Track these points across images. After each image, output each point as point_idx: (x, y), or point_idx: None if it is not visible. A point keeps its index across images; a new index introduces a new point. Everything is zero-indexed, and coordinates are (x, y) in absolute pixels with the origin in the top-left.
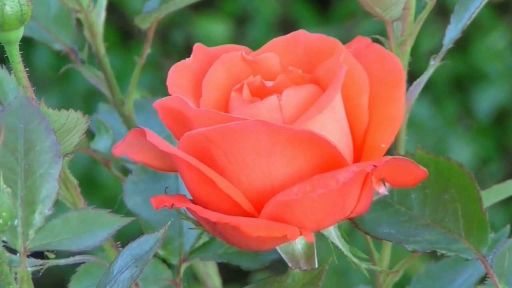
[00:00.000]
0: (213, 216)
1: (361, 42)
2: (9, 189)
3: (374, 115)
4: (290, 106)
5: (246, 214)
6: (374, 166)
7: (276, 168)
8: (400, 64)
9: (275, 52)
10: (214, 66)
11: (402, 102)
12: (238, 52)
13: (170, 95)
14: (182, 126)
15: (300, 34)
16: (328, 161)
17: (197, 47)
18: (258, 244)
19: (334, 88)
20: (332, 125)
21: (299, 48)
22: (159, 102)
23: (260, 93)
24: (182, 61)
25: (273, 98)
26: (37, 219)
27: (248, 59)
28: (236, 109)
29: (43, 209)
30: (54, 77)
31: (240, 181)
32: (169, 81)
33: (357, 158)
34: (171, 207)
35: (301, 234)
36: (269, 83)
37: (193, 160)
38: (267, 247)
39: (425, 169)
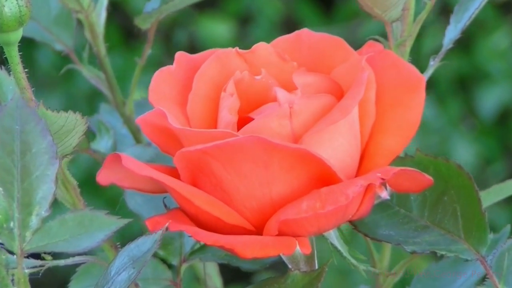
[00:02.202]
0: (208, 240)
1: (373, 47)
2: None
3: (391, 120)
4: (301, 114)
5: (237, 225)
6: (382, 179)
7: (274, 178)
8: (418, 71)
9: (280, 50)
10: (208, 61)
11: (421, 108)
12: (232, 48)
13: (150, 102)
14: (168, 138)
15: (304, 33)
16: (326, 175)
17: (179, 55)
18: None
19: (357, 92)
20: (345, 128)
21: (303, 47)
22: (142, 118)
23: (250, 89)
24: (166, 67)
25: (285, 106)
26: (34, 220)
27: (242, 53)
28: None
29: (40, 211)
30: (58, 77)
31: (239, 190)
32: (151, 87)
33: (361, 156)
34: (166, 230)
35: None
36: (258, 77)
37: (168, 180)
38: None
39: (430, 177)
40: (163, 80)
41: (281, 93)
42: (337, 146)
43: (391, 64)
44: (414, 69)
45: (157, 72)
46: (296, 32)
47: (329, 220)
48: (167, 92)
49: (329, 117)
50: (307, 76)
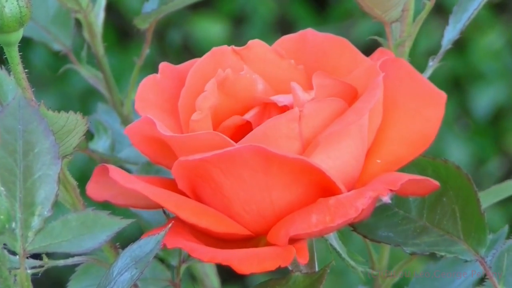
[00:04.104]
0: (205, 257)
1: (384, 54)
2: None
3: (405, 130)
4: (310, 117)
5: (229, 233)
6: (391, 190)
7: (274, 183)
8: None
9: (284, 50)
10: (203, 58)
11: (439, 122)
12: (228, 46)
13: (136, 109)
14: (158, 147)
15: (309, 33)
16: (326, 183)
17: (163, 65)
18: None
19: (372, 95)
20: (355, 130)
21: (307, 47)
22: (130, 128)
23: (237, 85)
24: (152, 75)
25: (295, 110)
26: (36, 221)
27: (237, 50)
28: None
29: (42, 211)
30: (51, 76)
31: (239, 195)
32: (138, 95)
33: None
34: (163, 247)
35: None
36: (241, 73)
37: (152, 193)
38: None
39: (437, 182)
40: (149, 89)
41: (299, 91)
42: (345, 147)
43: (406, 74)
44: (431, 83)
45: (143, 81)
46: (301, 31)
47: (334, 228)
48: (153, 100)
49: (344, 118)
50: (325, 78)
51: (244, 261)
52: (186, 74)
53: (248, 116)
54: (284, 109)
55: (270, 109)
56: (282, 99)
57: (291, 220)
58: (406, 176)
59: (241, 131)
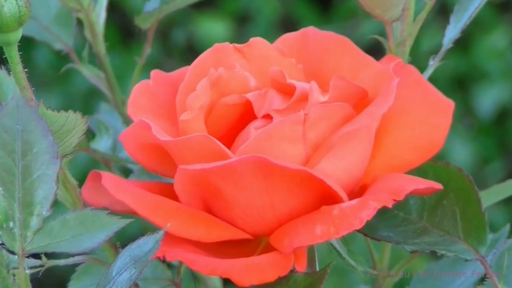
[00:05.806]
0: (205, 269)
1: (392, 59)
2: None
3: (414, 137)
4: (315, 120)
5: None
6: (395, 200)
7: (274, 190)
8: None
9: (285, 48)
10: (204, 54)
11: (447, 130)
12: (230, 44)
13: (128, 114)
14: (154, 153)
15: (310, 31)
16: (327, 191)
17: (154, 73)
18: None
19: (386, 100)
20: (363, 133)
21: (308, 45)
22: (124, 134)
23: (231, 83)
24: (145, 81)
25: (300, 113)
26: (35, 220)
27: (239, 47)
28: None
29: (41, 211)
30: (55, 76)
31: (239, 200)
32: (131, 100)
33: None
34: (163, 258)
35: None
36: (235, 70)
37: (142, 209)
38: None
39: (440, 185)
40: (142, 94)
41: (315, 92)
42: (354, 149)
43: (415, 81)
44: (439, 91)
45: (136, 86)
46: (302, 30)
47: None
48: (146, 105)
49: (357, 121)
50: (340, 80)
51: (244, 273)
52: (178, 82)
53: (249, 95)
54: (289, 87)
55: (272, 91)
56: (292, 81)
57: (295, 231)
58: (411, 185)
59: (241, 112)
